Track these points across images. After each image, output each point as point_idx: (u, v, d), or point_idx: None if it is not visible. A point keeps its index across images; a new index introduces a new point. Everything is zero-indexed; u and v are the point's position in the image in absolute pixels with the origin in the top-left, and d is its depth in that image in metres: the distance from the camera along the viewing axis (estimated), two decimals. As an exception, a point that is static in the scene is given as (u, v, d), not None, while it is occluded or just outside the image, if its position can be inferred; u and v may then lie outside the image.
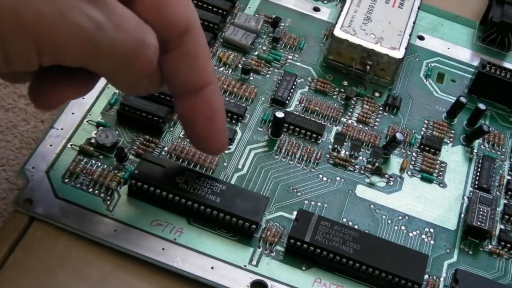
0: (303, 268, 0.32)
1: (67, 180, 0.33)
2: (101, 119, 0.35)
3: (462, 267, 0.33)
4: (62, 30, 0.23)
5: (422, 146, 0.38)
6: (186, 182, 0.32)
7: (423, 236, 0.34)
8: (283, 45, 0.41)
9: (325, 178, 0.35)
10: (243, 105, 0.37)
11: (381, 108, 0.39)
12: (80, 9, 0.23)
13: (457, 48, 0.44)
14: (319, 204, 0.34)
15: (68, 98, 0.27)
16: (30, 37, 0.22)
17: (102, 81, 0.37)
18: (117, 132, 0.34)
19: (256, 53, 0.40)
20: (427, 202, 0.36)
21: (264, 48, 0.41)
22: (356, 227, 0.34)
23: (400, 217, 0.35)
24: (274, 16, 0.42)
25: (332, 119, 0.38)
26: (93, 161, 0.33)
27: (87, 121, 0.35)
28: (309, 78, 0.40)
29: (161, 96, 0.35)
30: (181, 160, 0.34)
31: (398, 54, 0.39)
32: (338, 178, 0.36)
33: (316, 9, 0.44)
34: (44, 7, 0.22)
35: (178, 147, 0.35)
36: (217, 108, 0.30)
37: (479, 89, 0.41)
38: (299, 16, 0.43)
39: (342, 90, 0.40)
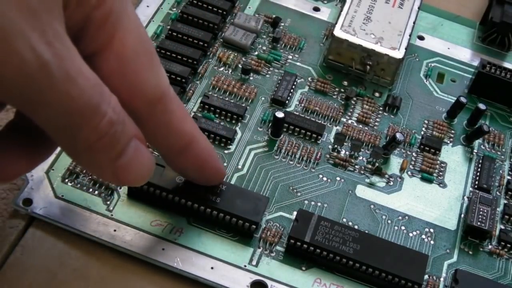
0: (303, 268, 0.32)
1: (67, 180, 0.33)
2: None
3: (462, 267, 0.33)
4: (2, 55, 0.20)
5: (422, 146, 0.38)
6: (186, 182, 0.32)
7: (423, 236, 0.34)
8: (283, 45, 0.41)
9: (325, 178, 0.35)
10: (243, 105, 0.37)
11: (381, 108, 0.39)
12: (26, 39, 0.20)
13: (457, 48, 0.44)
14: (319, 204, 0.34)
15: (22, 171, 0.25)
16: None
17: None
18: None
19: (256, 53, 0.40)
20: (427, 202, 0.36)
21: (264, 48, 0.41)
22: (356, 227, 0.34)
23: (400, 217, 0.35)
24: (274, 16, 0.42)
25: (332, 119, 0.38)
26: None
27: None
28: (309, 78, 0.40)
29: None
30: (181, 160, 0.34)
31: (398, 54, 0.39)
32: (338, 178, 0.36)
33: (316, 9, 0.44)
34: None
35: (178, 147, 0.35)
36: (205, 157, 0.29)
37: (479, 89, 0.41)
38: (299, 16, 0.43)
39: (342, 90, 0.40)
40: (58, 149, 0.33)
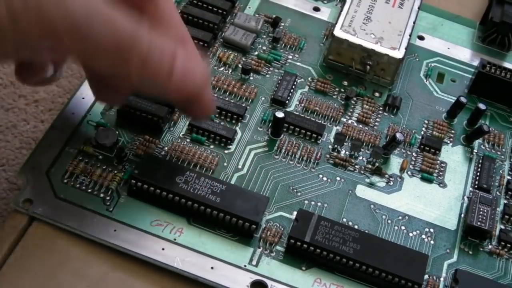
0: (303, 268, 0.32)
1: (67, 180, 0.33)
2: (101, 119, 0.35)
3: (462, 267, 0.33)
4: (59, 14, 0.23)
5: (422, 146, 0.38)
6: (186, 182, 0.32)
7: (423, 236, 0.34)
8: (283, 45, 0.41)
9: (325, 178, 0.35)
10: (243, 105, 0.37)
11: (381, 108, 0.39)
12: None
13: (457, 48, 0.44)
14: (319, 204, 0.34)
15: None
16: (34, 18, 0.23)
17: (102, 81, 0.37)
18: (117, 132, 0.34)
19: (256, 53, 0.40)
20: (427, 202, 0.36)
21: (264, 48, 0.41)
22: (356, 227, 0.34)
23: (400, 217, 0.35)
24: (274, 16, 0.42)
25: (332, 119, 0.38)
26: (93, 161, 0.33)
27: (87, 121, 0.35)
28: (309, 78, 0.40)
29: (161, 96, 0.35)
30: (181, 160, 0.34)
31: (398, 54, 0.39)
32: (338, 178, 0.36)
33: (316, 9, 0.44)
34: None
35: (178, 147, 0.35)
36: (194, 62, 0.30)
37: (479, 89, 0.41)
38: (299, 16, 0.43)
39: (342, 90, 0.40)
40: (58, 149, 0.33)
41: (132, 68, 0.26)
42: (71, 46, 0.25)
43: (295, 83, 0.39)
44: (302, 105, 0.38)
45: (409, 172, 0.37)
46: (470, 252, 0.34)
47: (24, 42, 0.24)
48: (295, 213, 0.33)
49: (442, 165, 0.37)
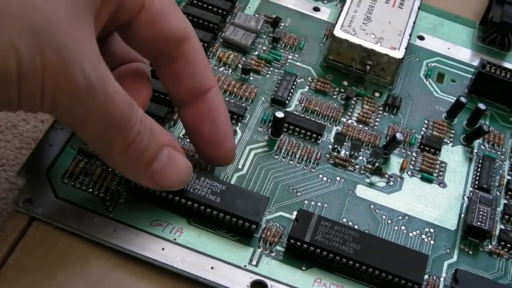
0: (303, 268, 0.32)
1: (67, 180, 0.33)
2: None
3: (462, 267, 0.33)
4: (61, 80, 0.24)
5: (422, 146, 0.38)
6: (186, 182, 0.32)
7: (423, 236, 0.34)
8: (283, 45, 0.41)
9: (325, 178, 0.35)
10: (243, 105, 0.37)
11: (381, 108, 0.39)
12: (81, 66, 0.24)
13: (457, 48, 0.44)
14: (319, 204, 0.34)
15: None
16: (37, 81, 0.23)
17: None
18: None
19: (256, 53, 0.40)
20: (427, 202, 0.36)
21: (264, 48, 0.41)
22: (356, 227, 0.34)
23: (400, 217, 0.35)
24: (274, 16, 0.42)
25: (332, 119, 0.38)
26: (93, 161, 0.33)
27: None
28: (309, 78, 0.40)
29: (161, 96, 0.35)
30: (181, 160, 0.34)
31: (398, 54, 0.39)
32: (338, 178, 0.36)
33: (316, 9, 0.44)
34: (51, 56, 0.23)
35: (178, 147, 0.35)
36: (221, 111, 0.32)
37: (479, 89, 0.41)
38: (299, 16, 0.43)
39: (342, 90, 0.40)
40: (58, 149, 0.33)
41: (112, 148, 0.27)
42: (63, 114, 0.25)
43: (295, 83, 0.39)
44: (302, 105, 0.38)
45: (409, 172, 0.37)
46: (470, 252, 0.34)
47: (24, 102, 0.24)
48: (295, 213, 0.33)
49: (442, 165, 0.37)
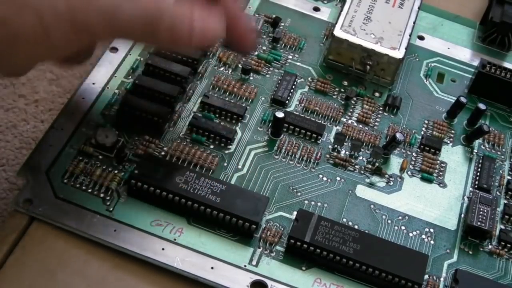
0: (303, 268, 0.32)
1: (67, 180, 0.33)
2: (101, 119, 0.35)
3: (462, 267, 0.33)
4: (89, 13, 0.26)
5: (422, 146, 0.38)
6: (186, 182, 0.32)
7: (423, 236, 0.34)
8: (283, 45, 0.41)
9: (325, 178, 0.35)
10: (243, 105, 0.37)
11: (381, 108, 0.39)
12: None
13: (457, 48, 0.44)
14: (319, 204, 0.34)
15: None
16: (66, 23, 0.25)
17: (102, 82, 0.37)
18: (117, 132, 0.34)
19: (256, 53, 0.40)
20: (427, 202, 0.36)
21: (264, 48, 0.41)
22: (356, 227, 0.34)
23: (400, 217, 0.35)
24: (274, 16, 0.42)
25: (332, 119, 0.38)
26: (93, 161, 0.33)
27: (87, 121, 0.35)
28: (309, 78, 0.40)
29: (161, 96, 0.35)
30: (181, 160, 0.34)
31: (398, 54, 0.39)
32: (338, 178, 0.36)
33: (316, 9, 0.44)
34: None
35: (178, 147, 0.35)
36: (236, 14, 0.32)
37: (479, 89, 0.41)
38: (299, 16, 0.43)
39: (342, 90, 0.40)
40: (58, 149, 0.33)
41: (159, 38, 0.29)
42: (105, 33, 0.28)
43: (295, 83, 0.39)
44: (302, 105, 0.38)
45: (409, 172, 0.37)
46: (470, 252, 0.34)
47: (64, 43, 0.26)
48: (295, 213, 0.33)
49: (442, 165, 0.37)
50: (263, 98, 0.38)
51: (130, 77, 0.37)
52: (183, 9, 0.29)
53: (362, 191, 0.35)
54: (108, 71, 0.37)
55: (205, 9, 0.30)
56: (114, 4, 0.26)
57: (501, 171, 0.38)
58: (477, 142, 0.39)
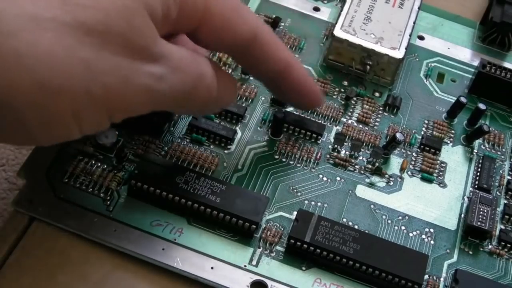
0: (303, 268, 0.32)
1: (67, 180, 0.33)
2: (101, 119, 0.35)
3: (462, 267, 0.33)
4: (128, 94, 0.25)
5: (422, 146, 0.38)
6: (186, 182, 0.32)
7: (423, 236, 0.34)
8: (283, 45, 0.41)
9: (325, 178, 0.35)
10: (243, 105, 0.37)
11: (381, 108, 0.39)
12: (142, 70, 0.25)
13: (457, 48, 0.44)
14: (319, 204, 0.34)
15: None
16: (101, 107, 0.24)
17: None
18: (117, 132, 0.34)
19: (256, 53, 0.40)
20: (427, 202, 0.36)
21: (264, 48, 0.41)
22: (356, 227, 0.34)
23: (400, 217, 0.35)
24: (274, 16, 0.42)
25: (332, 119, 0.38)
26: (93, 161, 0.33)
27: (87, 121, 0.35)
28: (309, 78, 0.40)
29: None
30: (181, 160, 0.34)
31: (398, 54, 0.39)
32: (338, 178, 0.36)
33: (316, 9, 0.44)
34: (110, 79, 0.24)
35: (178, 147, 0.35)
36: (303, 80, 0.33)
37: (479, 89, 0.41)
38: (299, 16, 0.43)
39: (342, 90, 0.40)
40: (58, 149, 0.33)
41: (196, 104, 0.29)
42: (142, 111, 0.27)
43: (295, 83, 0.39)
44: (302, 105, 0.38)
45: (409, 172, 0.37)
46: (470, 252, 0.34)
47: (95, 127, 0.25)
48: (295, 213, 0.33)
49: (442, 165, 0.37)
50: (263, 98, 0.38)
51: (130, 77, 0.37)
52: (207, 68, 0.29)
53: (362, 191, 0.35)
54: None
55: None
56: (158, 77, 0.25)
57: (501, 171, 0.38)
58: (477, 142, 0.39)
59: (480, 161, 0.38)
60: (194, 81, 0.27)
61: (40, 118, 0.23)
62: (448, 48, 0.44)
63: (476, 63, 0.42)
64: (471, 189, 0.37)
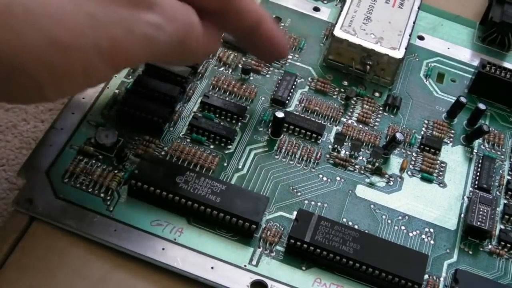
0: (303, 268, 0.32)
1: (67, 180, 0.33)
2: (101, 119, 0.35)
3: (462, 267, 0.33)
4: (132, 44, 0.25)
5: (422, 146, 0.38)
6: (186, 182, 0.32)
7: (423, 236, 0.34)
8: (283, 45, 0.41)
9: (325, 178, 0.35)
10: (243, 105, 0.37)
11: (381, 108, 0.39)
12: (142, 20, 0.25)
13: (457, 48, 0.44)
14: (319, 204, 0.34)
15: None
16: (108, 60, 0.24)
17: (102, 81, 0.37)
18: (117, 132, 0.34)
19: (256, 53, 0.40)
20: (427, 202, 0.36)
21: (264, 48, 0.41)
22: (356, 227, 0.34)
23: (400, 217, 0.35)
24: (274, 16, 0.42)
25: (332, 119, 0.38)
26: (93, 161, 0.33)
27: (87, 121, 0.35)
28: (309, 78, 0.40)
29: (161, 96, 0.35)
30: (181, 160, 0.34)
31: (398, 54, 0.39)
32: (338, 178, 0.36)
33: (316, 9, 0.44)
34: (116, 31, 0.24)
35: (178, 147, 0.35)
36: (274, 33, 0.34)
37: (479, 89, 0.41)
38: (299, 16, 0.43)
39: (342, 90, 0.40)
40: (58, 149, 0.33)
41: (189, 53, 0.29)
42: (142, 61, 0.29)
43: (295, 83, 0.39)
44: (302, 105, 0.38)
45: (409, 172, 0.37)
46: (470, 252, 0.34)
47: (102, 79, 0.26)
48: (295, 213, 0.33)
49: (442, 165, 0.37)
50: (263, 98, 0.38)
51: (130, 77, 0.37)
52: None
53: (362, 191, 0.35)
54: (108, 71, 0.37)
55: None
56: (156, 26, 0.26)
57: (501, 171, 0.38)
58: (477, 142, 0.39)
59: (480, 161, 0.38)
60: (186, 29, 0.28)
61: (52, 75, 0.23)
62: (448, 48, 0.44)
63: (476, 63, 0.42)
64: (471, 189, 0.37)
